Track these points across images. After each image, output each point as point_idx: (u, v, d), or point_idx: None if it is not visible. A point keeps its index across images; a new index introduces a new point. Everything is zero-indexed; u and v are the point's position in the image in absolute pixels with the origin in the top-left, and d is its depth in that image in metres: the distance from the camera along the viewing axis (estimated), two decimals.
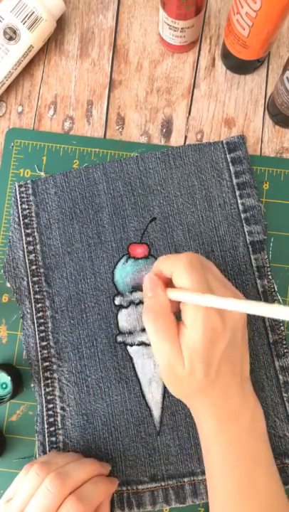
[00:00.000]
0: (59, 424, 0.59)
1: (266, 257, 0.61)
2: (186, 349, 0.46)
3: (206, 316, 0.45)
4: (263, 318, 0.60)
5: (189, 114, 0.65)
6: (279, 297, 0.61)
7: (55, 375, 0.59)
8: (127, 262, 0.61)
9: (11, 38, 0.61)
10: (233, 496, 0.48)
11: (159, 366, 0.49)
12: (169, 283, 0.50)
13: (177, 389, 0.50)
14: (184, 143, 0.65)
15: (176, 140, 0.65)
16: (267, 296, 0.60)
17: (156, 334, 0.47)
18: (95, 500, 0.51)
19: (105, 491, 0.53)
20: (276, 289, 0.61)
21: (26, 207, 0.62)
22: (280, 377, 0.59)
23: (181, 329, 0.47)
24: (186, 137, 0.65)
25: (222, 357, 0.46)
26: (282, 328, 0.60)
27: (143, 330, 0.59)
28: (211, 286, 0.47)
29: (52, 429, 0.59)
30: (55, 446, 0.58)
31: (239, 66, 0.64)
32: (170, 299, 0.49)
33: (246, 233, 0.61)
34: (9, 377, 0.57)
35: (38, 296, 0.61)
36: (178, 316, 0.49)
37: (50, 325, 0.60)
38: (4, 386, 0.60)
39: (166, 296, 0.49)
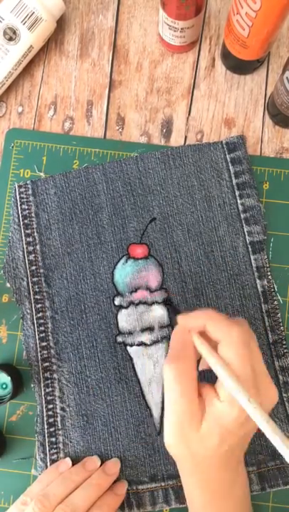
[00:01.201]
0: (59, 425, 0.59)
1: (266, 257, 0.61)
2: (212, 419, 0.44)
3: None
4: (262, 319, 0.60)
5: (189, 114, 0.65)
6: (279, 297, 0.61)
7: (55, 376, 0.60)
8: (126, 262, 0.61)
9: (10, 39, 0.61)
10: None
11: (168, 420, 0.45)
12: (201, 332, 0.47)
13: (178, 445, 0.46)
14: (184, 143, 0.65)
15: (176, 140, 0.65)
16: (266, 296, 0.60)
17: (174, 386, 0.45)
18: None
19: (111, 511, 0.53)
20: (276, 289, 0.61)
21: (26, 207, 0.62)
22: (280, 377, 0.59)
23: (209, 394, 0.45)
24: (186, 137, 0.65)
25: (239, 441, 0.45)
26: (281, 328, 0.60)
27: (143, 330, 0.59)
28: (255, 369, 0.44)
29: (52, 429, 0.59)
30: (55, 446, 0.58)
31: (239, 66, 0.64)
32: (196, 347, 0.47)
33: (246, 233, 0.61)
34: (9, 378, 0.57)
35: (37, 297, 0.61)
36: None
37: (50, 325, 0.60)
38: (4, 386, 0.60)
39: (193, 350, 0.47)
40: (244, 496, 0.49)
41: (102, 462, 0.58)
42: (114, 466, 0.57)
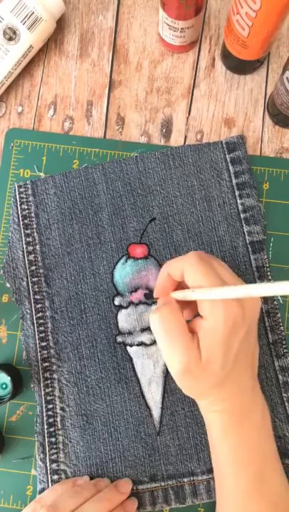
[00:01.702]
0: (59, 425, 0.59)
1: (266, 257, 0.61)
2: (205, 339, 0.45)
3: (226, 304, 0.44)
4: (262, 319, 0.60)
5: (189, 114, 0.65)
6: (279, 297, 0.61)
7: (55, 376, 0.60)
8: (126, 262, 0.61)
9: (10, 39, 0.61)
10: (244, 495, 0.48)
11: (172, 368, 0.46)
12: (176, 288, 0.50)
13: (192, 387, 0.48)
14: (184, 143, 0.65)
15: (176, 140, 0.65)
16: (266, 297, 0.60)
17: (165, 334, 0.46)
18: None
19: None
20: None
21: (26, 207, 0.62)
22: (280, 377, 0.59)
23: (197, 323, 0.46)
24: (186, 137, 0.65)
25: (239, 347, 0.45)
26: (281, 328, 0.60)
27: (142, 330, 0.59)
28: (223, 278, 0.46)
29: (52, 429, 0.59)
30: (54, 446, 0.58)
31: (239, 66, 0.64)
32: (178, 299, 0.48)
33: (246, 233, 0.61)
34: (9, 378, 0.57)
35: (37, 297, 0.61)
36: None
37: (49, 325, 0.60)
38: (4, 386, 0.60)
39: (172, 298, 0.49)
40: (263, 415, 0.49)
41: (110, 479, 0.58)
42: (126, 484, 0.57)
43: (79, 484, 0.56)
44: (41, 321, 0.60)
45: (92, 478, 0.58)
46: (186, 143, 0.65)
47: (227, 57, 0.63)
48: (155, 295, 0.52)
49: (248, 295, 0.41)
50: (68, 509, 0.51)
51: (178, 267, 0.47)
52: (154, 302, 0.60)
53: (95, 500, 0.53)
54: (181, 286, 0.50)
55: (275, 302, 0.60)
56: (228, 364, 0.45)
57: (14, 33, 0.61)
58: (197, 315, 0.47)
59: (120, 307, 0.60)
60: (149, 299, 0.60)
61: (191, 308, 0.51)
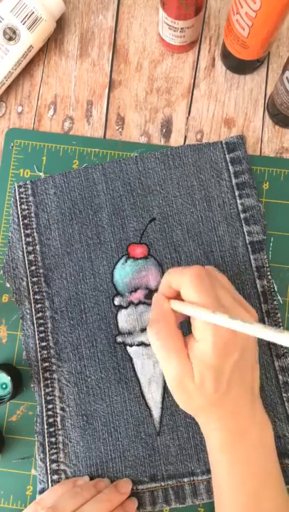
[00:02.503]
0: (59, 425, 0.59)
1: (265, 257, 0.61)
2: (197, 362, 0.45)
3: (216, 327, 0.44)
4: (262, 319, 0.60)
5: (189, 114, 0.65)
6: (279, 297, 0.61)
7: (55, 376, 0.60)
8: (126, 262, 0.61)
9: (10, 38, 0.61)
10: None
11: (167, 381, 0.47)
12: (178, 296, 0.49)
13: (187, 403, 0.48)
14: (184, 143, 0.65)
15: (175, 140, 0.65)
16: (266, 297, 0.60)
17: (161, 348, 0.47)
18: None
19: None
20: (276, 289, 0.61)
21: (26, 207, 0.62)
22: (280, 377, 0.59)
23: (190, 343, 0.46)
24: (185, 137, 0.65)
25: (233, 371, 0.45)
26: (281, 328, 0.60)
27: (142, 330, 0.59)
28: (221, 301, 0.46)
29: (52, 429, 0.59)
30: (54, 446, 0.58)
31: (239, 66, 0.64)
32: (175, 310, 0.48)
33: (246, 233, 0.61)
34: (9, 378, 0.57)
35: (37, 297, 0.61)
36: (185, 331, 0.48)
37: (49, 325, 0.60)
38: (4, 386, 0.60)
39: (170, 309, 0.49)
40: (261, 435, 0.49)
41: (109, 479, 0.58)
42: (126, 485, 0.57)
43: (79, 485, 0.56)
44: (41, 321, 0.60)
45: (92, 478, 0.58)
46: (186, 143, 0.65)
47: (227, 57, 0.63)
48: (154, 303, 0.51)
49: (240, 330, 0.41)
50: (68, 510, 0.51)
51: (178, 280, 0.47)
52: None
53: (95, 501, 0.53)
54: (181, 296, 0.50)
55: (275, 302, 0.60)
56: (222, 387, 0.45)
57: (14, 32, 0.61)
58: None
59: (120, 307, 0.60)
60: (149, 299, 0.59)
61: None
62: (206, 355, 0.44)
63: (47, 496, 0.54)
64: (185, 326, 0.52)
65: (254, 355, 0.49)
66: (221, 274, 0.51)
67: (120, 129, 0.65)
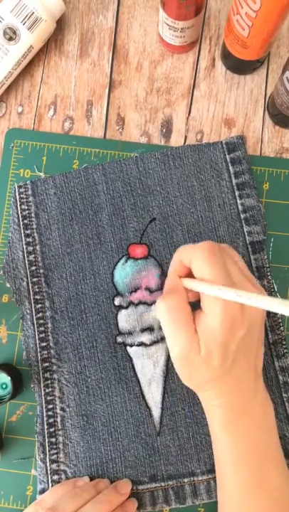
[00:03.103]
0: (59, 425, 0.59)
1: (266, 257, 0.61)
2: (204, 335, 0.45)
3: (225, 303, 0.44)
4: None
5: (189, 114, 0.65)
6: (279, 297, 0.61)
7: (55, 376, 0.60)
8: (126, 262, 0.61)
9: (10, 39, 0.61)
10: (242, 490, 0.48)
11: (172, 355, 0.47)
12: (189, 274, 0.50)
13: (191, 378, 0.48)
14: (184, 143, 0.65)
15: (176, 140, 0.65)
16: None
17: (170, 321, 0.47)
18: None
19: None
20: (276, 289, 0.61)
21: (26, 207, 0.62)
22: (280, 377, 0.59)
23: (198, 316, 0.46)
24: (186, 137, 0.65)
25: (238, 347, 0.46)
26: (281, 328, 0.60)
27: (142, 330, 0.59)
28: (232, 276, 0.46)
29: (52, 429, 0.59)
30: (54, 446, 0.58)
31: (239, 66, 0.64)
32: (186, 287, 0.49)
33: (246, 233, 0.61)
34: (9, 378, 0.57)
35: (37, 297, 0.61)
36: (193, 306, 0.48)
37: (49, 326, 0.60)
38: (4, 386, 0.60)
39: (182, 285, 0.49)
40: (263, 413, 0.49)
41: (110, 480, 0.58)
42: (126, 485, 0.57)
43: (79, 486, 0.56)
44: (41, 321, 0.60)
45: (92, 478, 0.58)
46: (186, 143, 0.65)
47: (227, 57, 0.63)
48: (167, 280, 0.51)
49: (249, 304, 0.41)
50: (68, 511, 0.51)
51: (189, 255, 0.47)
52: (154, 302, 0.60)
53: (95, 502, 0.53)
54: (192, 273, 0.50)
55: None
56: (227, 362, 0.45)
57: (14, 33, 0.61)
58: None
59: (120, 307, 0.60)
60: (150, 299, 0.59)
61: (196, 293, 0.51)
62: (214, 329, 0.44)
63: (47, 497, 0.54)
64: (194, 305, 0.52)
65: (260, 335, 0.49)
66: (234, 250, 0.51)
67: (120, 129, 0.65)
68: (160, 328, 0.59)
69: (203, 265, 0.45)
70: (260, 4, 0.50)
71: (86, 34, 0.67)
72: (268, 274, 0.60)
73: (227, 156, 0.62)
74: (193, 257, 0.47)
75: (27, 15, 0.61)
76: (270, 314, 0.60)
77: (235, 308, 0.44)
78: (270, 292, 0.60)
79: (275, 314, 0.60)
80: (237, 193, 0.62)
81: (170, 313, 0.47)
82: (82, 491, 0.54)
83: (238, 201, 0.61)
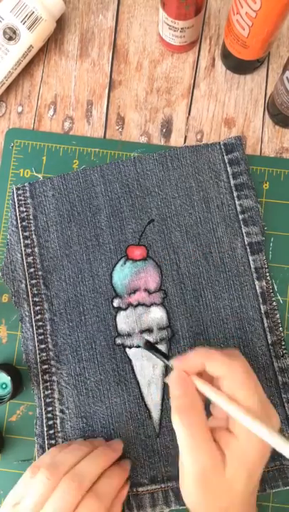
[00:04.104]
0: (58, 427, 0.59)
1: (264, 258, 0.61)
2: (234, 459, 0.44)
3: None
4: (261, 320, 0.60)
5: (189, 114, 0.65)
6: (279, 297, 0.61)
7: (54, 378, 0.60)
8: (125, 264, 0.61)
9: (10, 38, 0.61)
10: None
11: (188, 473, 0.45)
12: (201, 373, 0.48)
13: (204, 499, 0.45)
14: (184, 143, 0.64)
15: (176, 140, 0.65)
16: (265, 297, 0.60)
17: (188, 439, 0.44)
18: (111, 494, 0.50)
19: (119, 483, 0.53)
20: (276, 289, 0.61)
21: (24, 209, 0.62)
22: (279, 378, 0.59)
23: (224, 437, 0.45)
24: (186, 137, 0.65)
25: (260, 472, 0.45)
26: (280, 329, 0.60)
27: (142, 332, 0.59)
28: (261, 395, 0.45)
29: (51, 432, 0.59)
30: None
31: (239, 66, 0.63)
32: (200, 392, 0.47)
33: (244, 234, 0.61)
34: (9, 378, 0.57)
35: (36, 299, 0.61)
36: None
37: (48, 328, 0.60)
38: (4, 386, 0.60)
39: (198, 395, 0.46)
40: None
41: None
42: (118, 444, 0.57)
43: (76, 442, 0.56)
44: (40, 323, 0.60)
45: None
46: (186, 143, 0.64)
47: (227, 57, 0.63)
48: (172, 386, 0.48)
49: (279, 450, 0.41)
50: (68, 464, 0.50)
51: (221, 369, 0.46)
52: (153, 304, 0.60)
53: (93, 455, 0.52)
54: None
55: (275, 303, 0.60)
56: (249, 488, 0.44)
57: (14, 32, 0.61)
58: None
59: (119, 309, 0.60)
60: (150, 349, 0.56)
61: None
62: (249, 455, 0.43)
63: (44, 457, 0.54)
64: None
65: None
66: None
67: (120, 129, 0.65)
68: (159, 329, 0.60)
69: (242, 392, 0.44)
70: (260, 4, 0.49)
71: (86, 34, 0.67)
72: (267, 274, 0.60)
73: (225, 157, 0.62)
74: (228, 377, 0.45)
75: (27, 14, 0.61)
76: (269, 315, 0.60)
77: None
78: (269, 293, 0.60)
79: (275, 315, 0.60)
80: (235, 194, 0.61)
81: (190, 429, 0.45)
82: (80, 445, 0.54)
83: (237, 202, 0.61)
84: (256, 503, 0.49)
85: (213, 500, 0.45)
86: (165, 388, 0.59)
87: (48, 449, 0.58)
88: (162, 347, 0.59)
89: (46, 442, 0.58)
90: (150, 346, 0.55)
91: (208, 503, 0.45)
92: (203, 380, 0.47)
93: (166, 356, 0.52)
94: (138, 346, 0.59)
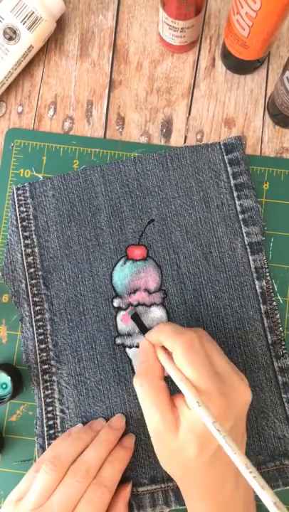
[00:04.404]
0: (58, 427, 0.59)
1: (264, 257, 0.61)
2: (186, 425, 0.44)
3: (210, 400, 0.44)
4: (261, 320, 0.60)
5: (189, 114, 0.65)
6: (279, 297, 0.61)
7: (54, 378, 0.60)
8: (125, 264, 0.61)
9: (10, 38, 0.61)
10: None
11: (149, 431, 0.48)
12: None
13: (167, 460, 0.48)
14: (184, 143, 0.64)
15: (176, 140, 0.65)
16: (265, 297, 0.60)
17: (144, 399, 0.47)
18: (115, 480, 0.51)
19: (122, 467, 0.53)
20: (276, 289, 0.61)
21: (24, 209, 0.62)
22: (279, 378, 0.59)
23: (180, 404, 0.46)
24: (186, 137, 0.65)
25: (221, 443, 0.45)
26: (280, 329, 0.60)
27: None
28: (216, 367, 0.46)
29: (51, 431, 0.59)
30: None
31: (239, 66, 0.63)
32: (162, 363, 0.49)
33: (244, 234, 0.61)
34: (9, 378, 0.57)
35: (36, 299, 0.61)
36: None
37: (48, 327, 0.60)
38: (4, 386, 0.60)
39: (158, 363, 0.49)
40: (245, 509, 0.48)
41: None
42: (119, 420, 0.57)
43: (76, 431, 0.56)
44: (40, 323, 0.60)
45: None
46: (187, 143, 0.64)
47: (227, 57, 0.63)
48: (141, 350, 0.52)
49: (214, 435, 0.41)
50: (70, 456, 0.51)
51: (170, 343, 0.48)
52: (153, 303, 0.60)
53: (95, 444, 0.53)
54: None
55: (275, 303, 0.60)
56: (205, 456, 0.45)
57: (14, 32, 0.61)
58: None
59: (119, 309, 0.60)
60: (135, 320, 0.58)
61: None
62: (198, 426, 0.44)
63: (47, 452, 0.54)
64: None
65: (244, 425, 0.49)
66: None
67: (120, 129, 0.65)
68: None
69: (184, 364, 0.45)
70: (260, 4, 0.49)
71: (86, 34, 0.67)
72: (267, 274, 0.60)
73: (225, 157, 0.62)
74: (174, 350, 0.47)
75: (27, 15, 0.61)
76: (269, 315, 0.60)
77: (221, 403, 0.44)
78: (269, 293, 0.60)
79: (275, 315, 0.60)
80: (235, 194, 0.61)
81: (145, 392, 0.47)
82: (80, 434, 0.54)
83: (237, 202, 0.61)
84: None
85: (171, 460, 0.47)
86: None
87: None
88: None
89: (46, 442, 0.58)
90: (136, 318, 0.57)
91: (169, 463, 0.48)
92: (164, 352, 0.49)
93: (146, 330, 0.53)
94: (138, 346, 0.59)
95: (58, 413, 0.59)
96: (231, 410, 0.44)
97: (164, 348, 0.50)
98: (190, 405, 0.44)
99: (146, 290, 0.60)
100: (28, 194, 0.62)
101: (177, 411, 0.46)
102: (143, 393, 0.47)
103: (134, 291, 0.60)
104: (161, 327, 0.50)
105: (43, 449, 0.58)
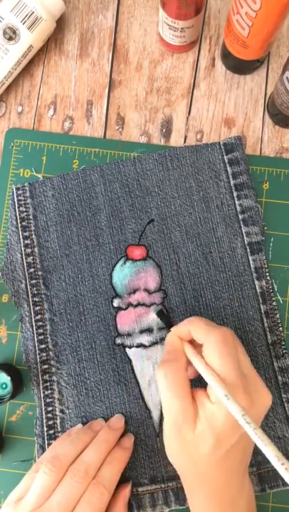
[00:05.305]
0: (58, 427, 0.59)
1: (264, 257, 0.61)
2: (204, 421, 0.45)
3: (235, 397, 0.44)
4: (261, 320, 0.60)
5: (189, 114, 0.65)
6: (279, 297, 0.61)
7: (54, 378, 0.59)
8: (124, 264, 0.61)
9: (10, 38, 0.61)
10: None
11: (165, 422, 0.48)
12: (192, 341, 0.50)
13: (178, 451, 0.47)
14: (184, 143, 0.64)
15: (175, 140, 0.65)
16: (265, 297, 0.60)
17: (166, 389, 0.47)
18: (114, 480, 0.51)
19: (121, 467, 0.53)
20: (276, 289, 0.61)
21: (24, 209, 0.62)
22: (279, 378, 0.59)
23: (202, 398, 0.46)
24: (185, 137, 0.65)
25: (236, 443, 0.45)
26: (280, 329, 0.60)
27: (141, 332, 0.59)
28: (242, 367, 0.46)
29: (51, 432, 0.59)
30: None
31: (239, 66, 0.63)
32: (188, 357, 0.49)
33: (244, 234, 0.61)
34: (9, 378, 0.57)
35: (36, 299, 0.61)
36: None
37: (48, 328, 0.60)
38: (4, 386, 0.60)
39: (183, 355, 0.49)
40: (249, 508, 0.48)
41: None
42: (118, 421, 0.57)
43: (75, 432, 0.56)
44: (40, 323, 0.60)
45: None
46: (186, 143, 0.64)
47: (227, 57, 0.63)
48: (168, 340, 0.52)
49: (249, 433, 0.41)
50: (70, 456, 0.51)
51: (202, 336, 0.48)
52: (153, 304, 0.60)
53: (94, 443, 0.53)
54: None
55: (274, 303, 0.60)
56: (218, 453, 0.45)
57: (14, 32, 0.61)
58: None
59: (119, 309, 0.60)
60: (161, 317, 0.59)
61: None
62: (218, 421, 0.44)
63: (47, 453, 0.54)
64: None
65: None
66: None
67: (120, 129, 0.65)
68: (159, 329, 0.60)
69: (216, 358, 0.46)
70: (260, 4, 0.49)
71: (86, 34, 0.67)
72: (267, 274, 0.60)
73: (225, 157, 0.62)
74: (205, 343, 0.47)
75: (27, 14, 0.61)
76: (269, 315, 0.60)
77: (244, 403, 0.44)
78: (269, 293, 0.60)
79: (275, 315, 0.60)
80: (235, 194, 0.61)
81: (168, 381, 0.47)
82: (79, 434, 0.54)
83: (236, 202, 0.61)
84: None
85: (183, 450, 0.47)
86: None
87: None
88: (162, 347, 0.59)
89: (46, 442, 0.58)
90: (162, 315, 0.58)
91: (178, 454, 0.48)
92: (190, 345, 0.50)
93: (172, 326, 0.53)
94: (138, 346, 0.59)
95: (57, 413, 0.59)
96: (252, 410, 0.45)
97: (190, 342, 0.50)
98: (217, 398, 0.45)
99: (146, 290, 0.60)
100: (27, 194, 0.62)
101: (196, 404, 0.46)
102: (166, 384, 0.47)
103: (134, 291, 0.60)
104: (193, 320, 0.50)
105: (42, 449, 0.58)
